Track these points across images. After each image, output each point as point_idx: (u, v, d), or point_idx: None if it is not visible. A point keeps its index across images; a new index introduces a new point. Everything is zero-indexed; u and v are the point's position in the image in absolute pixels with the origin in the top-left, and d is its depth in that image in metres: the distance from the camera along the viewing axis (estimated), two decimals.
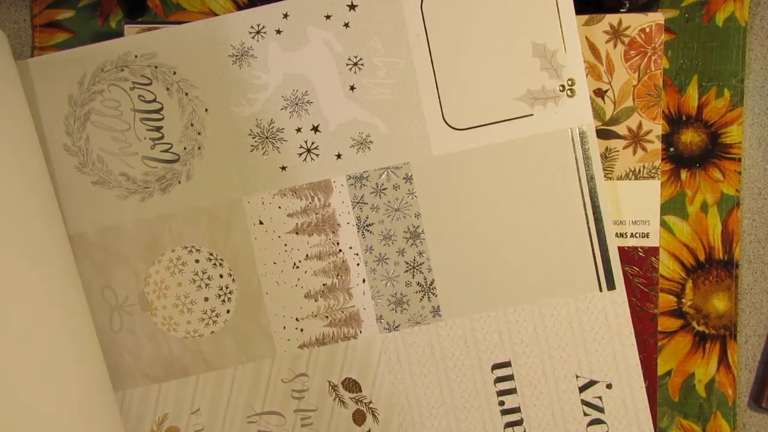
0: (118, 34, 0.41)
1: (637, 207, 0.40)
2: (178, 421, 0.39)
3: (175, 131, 0.38)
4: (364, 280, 0.39)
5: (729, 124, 0.40)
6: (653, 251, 0.40)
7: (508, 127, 0.38)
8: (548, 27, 0.37)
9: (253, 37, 0.38)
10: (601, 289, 0.38)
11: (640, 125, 0.39)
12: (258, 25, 0.38)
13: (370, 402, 0.39)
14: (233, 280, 0.39)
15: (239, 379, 0.39)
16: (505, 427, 0.38)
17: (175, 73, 0.38)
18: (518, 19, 0.38)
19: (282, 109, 0.38)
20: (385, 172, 0.38)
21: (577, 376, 0.38)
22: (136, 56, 0.38)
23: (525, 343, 0.38)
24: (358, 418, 0.39)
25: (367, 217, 0.39)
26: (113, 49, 0.38)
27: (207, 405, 0.39)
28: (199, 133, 0.38)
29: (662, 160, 0.40)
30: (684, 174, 0.40)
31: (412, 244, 0.39)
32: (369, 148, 0.38)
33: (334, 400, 0.39)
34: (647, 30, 0.39)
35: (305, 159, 0.39)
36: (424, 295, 0.39)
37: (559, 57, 0.38)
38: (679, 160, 0.40)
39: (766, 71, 0.41)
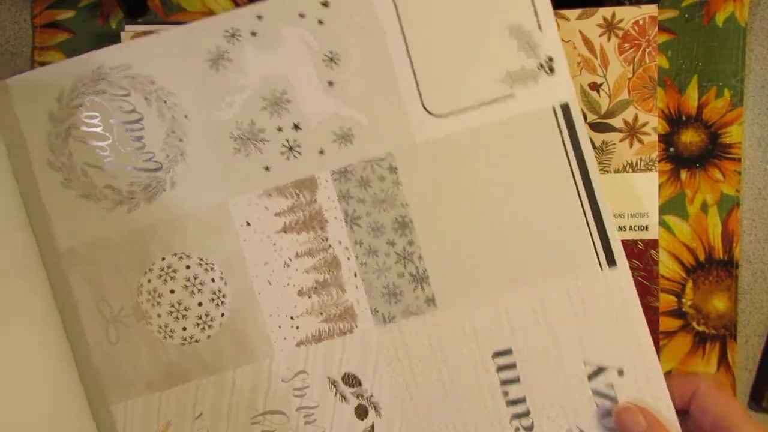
0: (119, 34, 0.41)
1: (636, 200, 0.39)
2: (182, 427, 0.39)
3: (156, 140, 0.38)
4: (356, 274, 0.39)
5: (729, 124, 0.40)
6: (652, 244, 0.39)
7: (490, 109, 0.38)
8: (522, 7, 0.37)
9: (228, 41, 0.38)
10: (601, 267, 0.37)
11: (636, 118, 0.39)
12: (232, 29, 0.38)
13: (371, 396, 0.39)
14: (225, 283, 0.39)
15: (240, 381, 0.39)
16: (511, 419, 0.38)
17: (152, 82, 0.38)
18: (491, 1, 0.37)
19: (262, 109, 0.38)
20: (369, 165, 0.38)
21: (585, 363, 0.37)
22: (110, 68, 0.38)
23: (525, 329, 0.38)
24: (361, 412, 0.39)
25: (354, 211, 0.38)
26: (88, 63, 0.38)
27: (209, 409, 0.39)
28: (180, 140, 0.38)
29: (662, 160, 0.40)
30: (684, 174, 0.40)
31: (402, 235, 0.38)
32: (351, 141, 0.38)
33: (335, 395, 0.39)
34: (641, 22, 0.39)
35: (288, 157, 0.38)
36: (418, 284, 0.38)
37: (536, 36, 0.37)
38: (679, 160, 0.40)
39: (766, 71, 0.40)
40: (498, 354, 0.38)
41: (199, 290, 0.39)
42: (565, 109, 0.37)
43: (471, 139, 0.38)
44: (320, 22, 0.38)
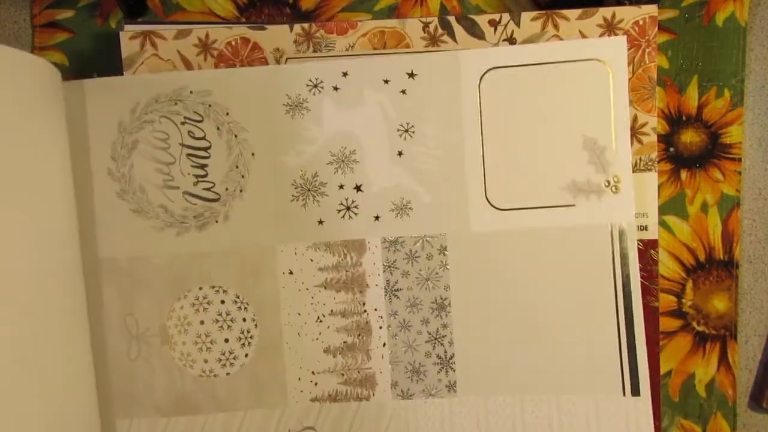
0: (118, 33, 0.40)
1: (635, 200, 0.39)
2: None
3: (219, 171, 0.38)
4: (384, 344, 0.39)
5: (729, 124, 0.40)
6: (652, 244, 0.40)
7: (549, 214, 0.38)
8: (601, 123, 0.38)
9: (309, 90, 0.38)
10: (624, 393, 0.38)
11: (635, 118, 0.39)
12: (316, 79, 0.38)
13: None
14: (256, 325, 0.39)
15: (247, 424, 0.39)
16: None
17: (227, 113, 0.38)
18: (573, 110, 0.38)
19: (328, 164, 0.38)
20: (421, 241, 0.39)
21: None
22: (191, 92, 0.38)
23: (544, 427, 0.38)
24: None
25: (396, 282, 0.39)
26: (169, 82, 0.38)
27: None
28: (242, 176, 0.38)
29: (662, 160, 0.40)
30: (684, 174, 0.40)
31: (437, 316, 0.39)
32: (408, 214, 0.39)
33: None
34: (641, 23, 0.38)
35: (344, 216, 0.39)
36: (443, 367, 0.39)
37: (608, 154, 0.38)
38: (679, 160, 0.40)
39: (766, 71, 0.40)
40: None
41: (229, 327, 0.39)
42: (622, 232, 0.38)
43: (525, 239, 0.38)
44: (403, 92, 0.38)
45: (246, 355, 0.39)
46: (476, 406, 0.39)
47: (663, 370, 0.40)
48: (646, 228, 0.40)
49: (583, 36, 0.39)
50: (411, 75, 0.38)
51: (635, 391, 0.38)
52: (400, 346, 0.39)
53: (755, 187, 0.41)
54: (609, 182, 0.38)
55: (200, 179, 0.38)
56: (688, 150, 0.40)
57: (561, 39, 0.39)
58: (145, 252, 0.38)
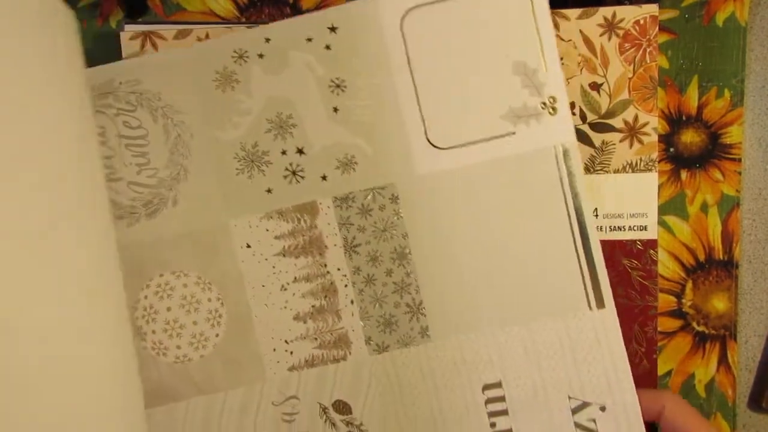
0: (118, 33, 0.40)
1: (635, 200, 0.40)
2: None
3: (160, 156, 0.38)
4: (352, 302, 0.39)
5: (729, 124, 0.40)
6: (652, 244, 0.40)
7: (492, 145, 0.38)
8: (528, 45, 0.38)
9: (236, 62, 0.38)
10: (590, 308, 0.38)
11: (636, 118, 0.39)
12: (240, 50, 0.38)
13: (361, 424, 0.39)
14: (222, 303, 0.39)
15: (230, 403, 0.39)
16: None
17: (159, 98, 0.38)
18: (498, 37, 0.38)
19: (266, 132, 0.38)
20: (371, 193, 0.39)
21: (570, 398, 0.38)
22: (120, 83, 0.38)
23: (515, 363, 0.38)
24: None
25: (353, 238, 0.39)
26: (97, 76, 0.38)
27: (198, 430, 0.39)
28: (184, 158, 0.38)
29: (662, 160, 0.40)
30: (684, 174, 0.40)
31: (400, 265, 0.39)
32: (354, 169, 0.39)
33: (325, 422, 0.39)
34: (641, 22, 0.38)
35: (291, 181, 0.39)
36: (413, 315, 0.39)
37: (540, 75, 0.38)
38: (679, 161, 0.40)
39: (766, 71, 0.40)
40: (488, 386, 0.38)
41: (196, 309, 0.39)
42: (565, 151, 0.38)
43: (472, 174, 0.38)
44: (327, 47, 0.38)
45: (217, 335, 0.39)
46: (451, 347, 0.38)
47: (663, 371, 0.41)
48: (645, 228, 0.40)
49: (584, 36, 0.39)
50: (332, 29, 0.38)
51: (600, 304, 0.38)
52: (368, 301, 0.39)
53: (755, 187, 0.41)
54: (545, 104, 0.38)
55: (143, 167, 0.38)
56: (688, 150, 0.40)
57: (562, 39, 0.39)
58: None
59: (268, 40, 0.38)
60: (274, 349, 0.39)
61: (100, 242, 0.33)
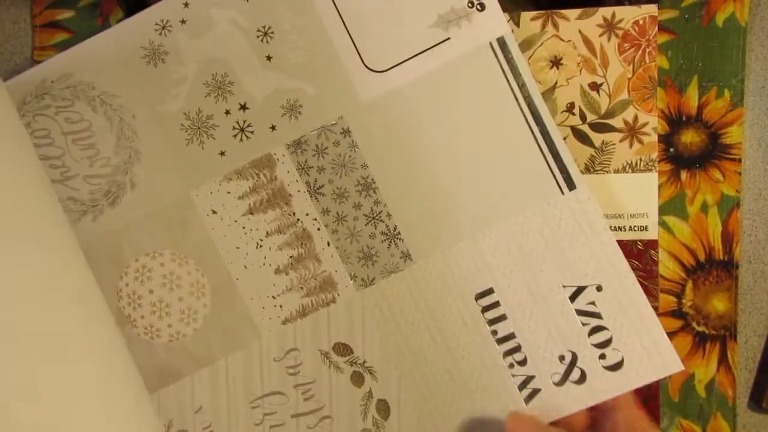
0: None
1: (635, 200, 0.39)
2: (184, 423, 0.39)
3: (108, 144, 0.38)
4: (328, 243, 0.39)
5: (729, 124, 0.40)
6: (652, 244, 0.39)
7: (430, 56, 0.37)
8: None
9: (160, 34, 0.38)
10: (562, 192, 0.37)
11: (635, 118, 0.39)
12: (162, 21, 0.38)
13: (365, 361, 0.39)
14: (202, 274, 0.39)
15: (233, 369, 0.39)
16: (504, 356, 0.38)
17: (94, 87, 0.38)
18: None
19: (206, 96, 0.38)
20: (322, 132, 0.38)
21: (564, 286, 0.37)
22: (52, 81, 0.38)
23: (502, 265, 0.38)
24: (357, 379, 0.39)
25: (316, 181, 0.38)
26: (28, 81, 0.38)
27: (208, 401, 0.39)
28: (132, 141, 0.38)
29: (662, 160, 0.40)
30: (684, 174, 0.40)
31: (367, 196, 0.38)
32: (300, 112, 0.38)
33: (329, 367, 0.39)
34: (641, 22, 0.38)
35: (241, 139, 0.38)
36: (391, 242, 0.38)
37: None
38: (679, 161, 0.40)
39: (766, 71, 0.40)
40: (480, 295, 0.38)
41: (177, 285, 0.39)
42: (502, 43, 0.37)
43: (417, 88, 0.37)
44: None
45: (205, 306, 0.39)
46: (435, 264, 0.38)
47: None
48: (646, 228, 0.39)
49: (583, 36, 0.39)
50: None
51: (570, 185, 0.37)
52: (344, 238, 0.38)
53: (755, 187, 0.41)
54: (472, 2, 0.37)
55: (94, 159, 0.38)
56: (688, 150, 0.40)
57: (561, 39, 0.39)
58: None
59: (186, 4, 0.38)
60: (264, 307, 0.39)
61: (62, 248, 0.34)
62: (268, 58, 0.38)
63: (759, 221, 0.41)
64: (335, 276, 0.39)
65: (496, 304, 0.38)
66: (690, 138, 0.40)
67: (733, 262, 0.40)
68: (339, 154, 0.38)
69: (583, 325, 0.37)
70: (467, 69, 0.37)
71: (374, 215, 0.38)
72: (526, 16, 0.39)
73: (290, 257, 0.39)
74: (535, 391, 0.38)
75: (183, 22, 0.38)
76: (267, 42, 0.38)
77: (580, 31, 0.39)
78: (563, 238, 0.37)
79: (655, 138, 0.39)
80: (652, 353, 0.37)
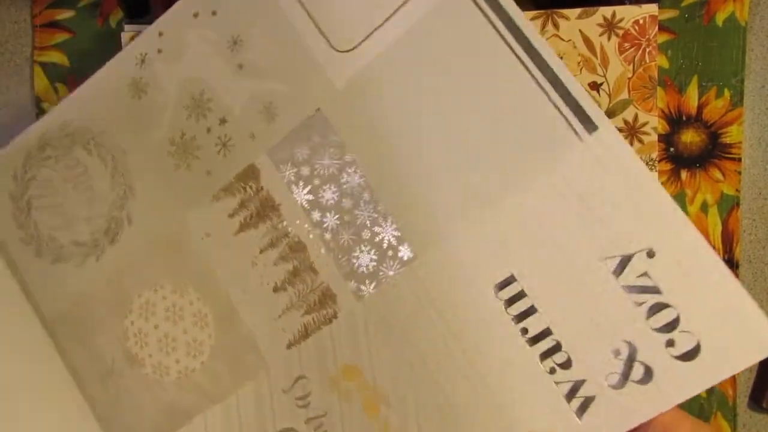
0: (118, 33, 0.40)
1: None
2: None
3: (104, 183, 0.38)
4: (323, 250, 0.34)
5: (729, 124, 0.40)
6: None
7: (398, 19, 0.33)
8: None
9: (140, 67, 0.38)
10: (580, 138, 0.29)
11: (636, 117, 0.38)
12: (141, 54, 0.38)
13: (376, 386, 0.33)
14: (203, 303, 0.36)
15: (243, 404, 0.35)
16: (541, 360, 0.30)
17: (89, 130, 0.38)
18: None
19: (187, 118, 0.37)
20: (302, 129, 0.35)
21: (605, 259, 0.29)
22: (53, 133, 0.39)
23: (521, 245, 0.30)
24: (370, 407, 0.33)
25: (300, 183, 0.35)
26: (33, 135, 0.39)
27: None
28: (125, 176, 0.38)
29: (662, 160, 0.39)
30: (684, 174, 0.40)
31: (355, 191, 0.34)
32: (277, 113, 0.35)
33: (339, 397, 0.33)
34: (641, 22, 0.38)
35: (225, 154, 0.36)
36: (388, 238, 0.33)
37: None
38: (679, 160, 0.40)
39: (766, 71, 0.40)
40: (500, 286, 0.31)
41: (181, 317, 0.37)
42: None
43: (390, 59, 0.33)
44: (213, 13, 0.36)
45: (209, 336, 0.36)
46: (439, 255, 0.32)
47: None
48: None
49: (583, 35, 0.38)
50: None
51: (590, 127, 0.29)
52: (338, 242, 0.34)
53: (755, 187, 0.41)
54: None
55: (92, 200, 0.38)
56: (688, 150, 0.40)
57: (561, 39, 0.38)
58: (78, 291, 0.38)
59: (161, 33, 0.37)
60: (267, 332, 0.35)
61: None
62: (240, 66, 0.36)
63: (759, 221, 0.40)
64: (333, 287, 0.34)
65: (520, 295, 0.30)
66: (690, 137, 0.40)
67: (733, 261, 0.40)
68: (321, 150, 0.34)
69: (638, 305, 0.28)
70: (441, 21, 0.32)
71: (366, 210, 0.33)
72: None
73: (287, 272, 0.35)
74: (589, 400, 0.29)
75: (159, 51, 0.37)
76: (237, 51, 0.36)
77: (580, 31, 0.38)
78: (593, 196, 0.29)
79: (655, 137, 0.38)
80: (739, 329, 0.27)
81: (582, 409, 0.29)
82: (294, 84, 0.35)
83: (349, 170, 0.34)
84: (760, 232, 0.41)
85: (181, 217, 0.37)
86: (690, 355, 0.27)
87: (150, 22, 0.40)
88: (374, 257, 0.33)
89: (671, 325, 0.28)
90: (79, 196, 0.38)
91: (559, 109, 0.30)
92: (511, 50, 0.31)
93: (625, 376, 0.28)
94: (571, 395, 0.29)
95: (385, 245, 0.33)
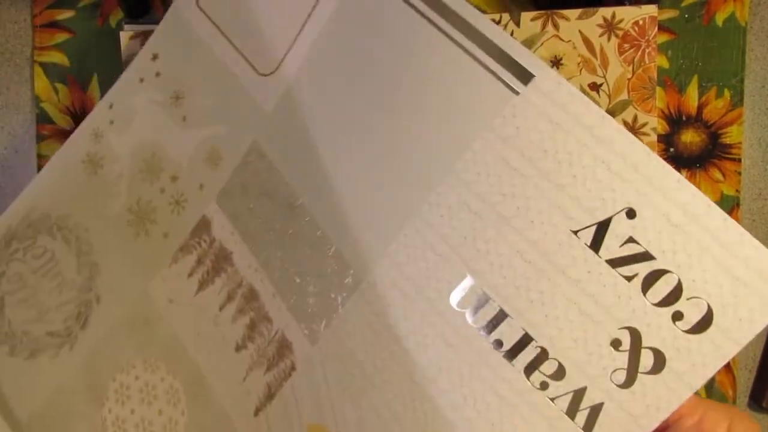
0: (118, 33, 0.39)
1: None
2: None
3: (71, 266, 0.37)
4: (273, 295, 0.30)
5: (729, 124, 0.40)
6: None
7: (311, 26, 0.30)
8: None
9: (95, 142, 0.37)
10: (515, 91, 0.24)
11: (635, 118, 0.38)
12: (94, 129, 0.37)
13: None
14: (174, 377, 0.33)
15: None
16: (527, 374, 0.23)
17: (49, 216, 0.37)
18: None
19: (143, 181, 0.35)
20: (242, 167, 0.32)
21: (575, 232, 0.23)
22: (16, 225, 0.38)
23: (470, 238, 0.25)
24: None
25: (247, 225, 0.31)
26: None
27: None
28: (89, 254, 0.36)
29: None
30: (684, 174, 0.37)
31: (294, 218, 0.30)
32: (221, 157, 0.33)
33: None
34: (641, 23, 0.37)
35: (178, 212, 0.34)
36: (330, 263, 0.29)
37: None
38: (679, 161, 0.40)
39: (766, 71, 0.40)
40: (458, 293, 0.25)
41: (155, 396, 0.33)
42: None
43: (312, 64, 0.30)
44: (157, 74, 0.35)
45: (182, 413, 0.32)
46: (386, 269, 0.27)
47: None
48: None
49: (583, 36, 0.38)
50: (154, 57, 0.36)
51: (524, 77, 0.24)
52: (285, 281, 0.30)
53: (755, 187, 0.41)
54: None
55: (62, 285, 0.37)
56: (688, 150, 0.40)
57: (561, 40, 0.38)
58: (53, 386, 0.36)
59: (111, 106, 0.37)
60: (234, 399, 0.31)
61: None
62: (184, 119, 0.34)
63: (759, 221, 0.40)
64: (288, 333, 0.30)
65: (484, 299, 0.24)
66: (690, 138, 0.39)
67: None
68: (260, 183, 0.31)
69: (629, 279, 0.22)
70: (350, 10, 0.29)
71: (308, 236, 0.29)
72: (526, 16, 0.37)
73: (245, 326, 0.31)
74: (596, 409, 0.22)
75: (111, 122, 0.37)
76: (180, 105, 0.34)
77: (580, 32, 0.38)
78: (545, 158, 0.24)
79: (654, 138, 0.38)
80: (752, 280, 0.20)
81: (590, 423, 0.22)
82: (231, 121, 0.32)
83: (285, 195, 0.30)
84: (760, 233, 0.40)
85: (144, 287, 0.34)
86: (703, 325, 0.20)
87: (150, 22, 0.39)
88: (323, 289, 0.29)
89: (674, 295, 0.21)
90: (49, 284, 0.37)
91: (488, 67, 0.25)
92: (428, 21, 0.26)
93: (633, 369, 0.22)
94: (573, 409, 0.22)
95: (329, 271, 0.28)
